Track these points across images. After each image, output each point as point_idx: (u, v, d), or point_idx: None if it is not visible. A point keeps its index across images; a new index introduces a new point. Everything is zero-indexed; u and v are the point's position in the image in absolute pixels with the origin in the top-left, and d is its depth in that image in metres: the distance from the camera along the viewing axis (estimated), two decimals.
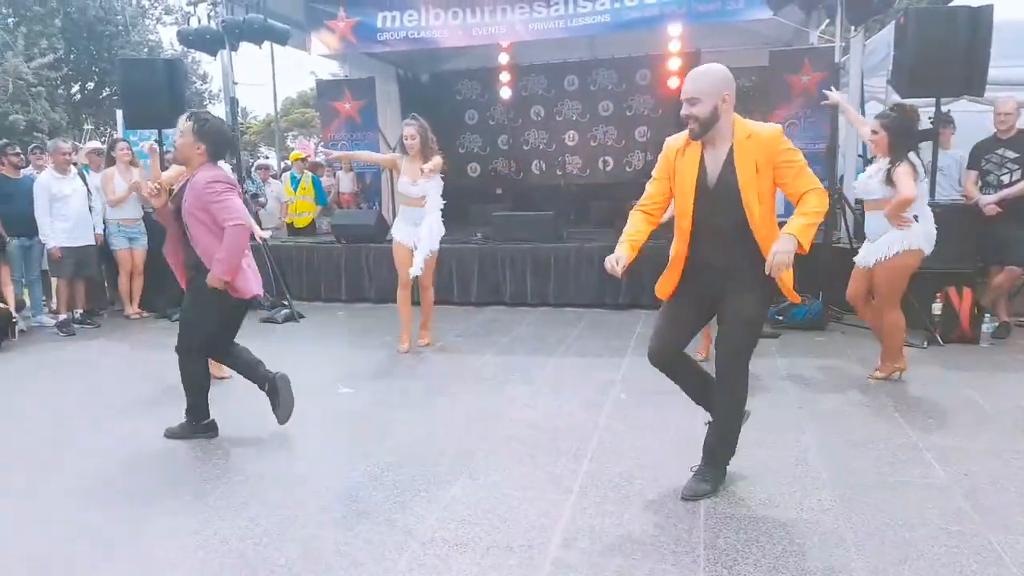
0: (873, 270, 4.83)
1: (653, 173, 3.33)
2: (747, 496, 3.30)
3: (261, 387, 4.23)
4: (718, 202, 3.12)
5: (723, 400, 3.32)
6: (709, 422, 3.42)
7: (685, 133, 3.19)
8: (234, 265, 3.94)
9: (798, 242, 2.97)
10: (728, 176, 3.10)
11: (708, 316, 3.41)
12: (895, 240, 4.69)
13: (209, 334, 4.13)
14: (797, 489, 3.35)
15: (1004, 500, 3.23)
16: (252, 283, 4.11)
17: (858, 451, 3.80)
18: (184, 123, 3.99)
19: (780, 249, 2.95)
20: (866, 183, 4.84)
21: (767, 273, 3.01)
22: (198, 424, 4.20)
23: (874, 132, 4.75)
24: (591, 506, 3.23)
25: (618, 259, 3.15)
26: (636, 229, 3.28)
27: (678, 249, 3.26)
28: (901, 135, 4.65)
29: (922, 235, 4.73)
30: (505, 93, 12.00)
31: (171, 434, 4.19)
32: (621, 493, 3.36)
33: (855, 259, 4.99)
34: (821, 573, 2.68)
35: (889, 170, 4.61)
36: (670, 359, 3.36)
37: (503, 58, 11.57)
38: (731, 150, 3.11)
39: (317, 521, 3.15)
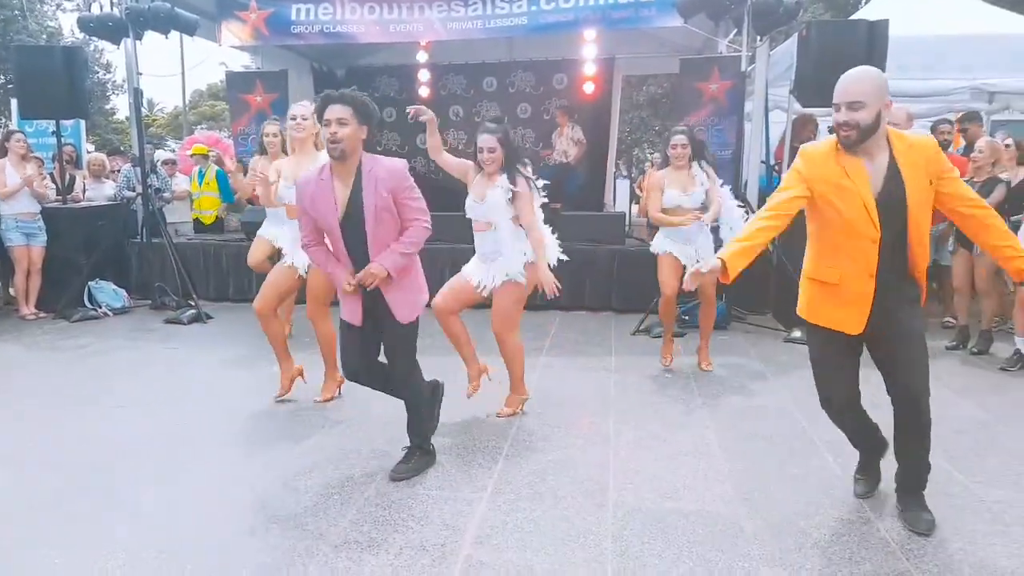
0: (495, 292, 4.35)
1: (784, 183, 3.01)
2: (653, 489, 3.41)
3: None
4: (886, 216, 2.84)
5: (918, 436, 3.04)
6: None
7: (826, 141, 2.98)
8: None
9: None
10: (895, 188, 2.83)
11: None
12: (519, 259, 4.28)
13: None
14: (700, 482, 3.49)
15: (891, 489, 3.42)
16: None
17: (758, 445, 3.98)
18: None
19: None
20: (496, 204, 4.24)
21: None
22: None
23: (492, 150, 4.22)
24: (504, 503, 3.28)
25: (712, 267, 2.80)
26: (753, 239, 2.88)
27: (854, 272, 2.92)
28: (513, 153, 4.31)
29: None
30: (424, 92, 11.95)
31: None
32: (534, 490, 3.42)
33: (477, 280, 4.38)
34: (721, 562, 2.80)
35: (513, 189, 4.22)
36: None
37: (422, 56, 11.53)
38: (892, 160, 2.87)
39: (227, 530, 3.09)
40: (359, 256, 3.43)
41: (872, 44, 6.30)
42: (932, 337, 6.51)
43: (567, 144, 10.65)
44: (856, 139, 2.82)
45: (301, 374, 4.89)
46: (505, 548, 2.90)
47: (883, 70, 6.32)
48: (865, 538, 2.99)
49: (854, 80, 2.84)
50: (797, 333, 6.13)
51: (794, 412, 4.49)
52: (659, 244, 5.44)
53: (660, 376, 5.24)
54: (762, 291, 7.05)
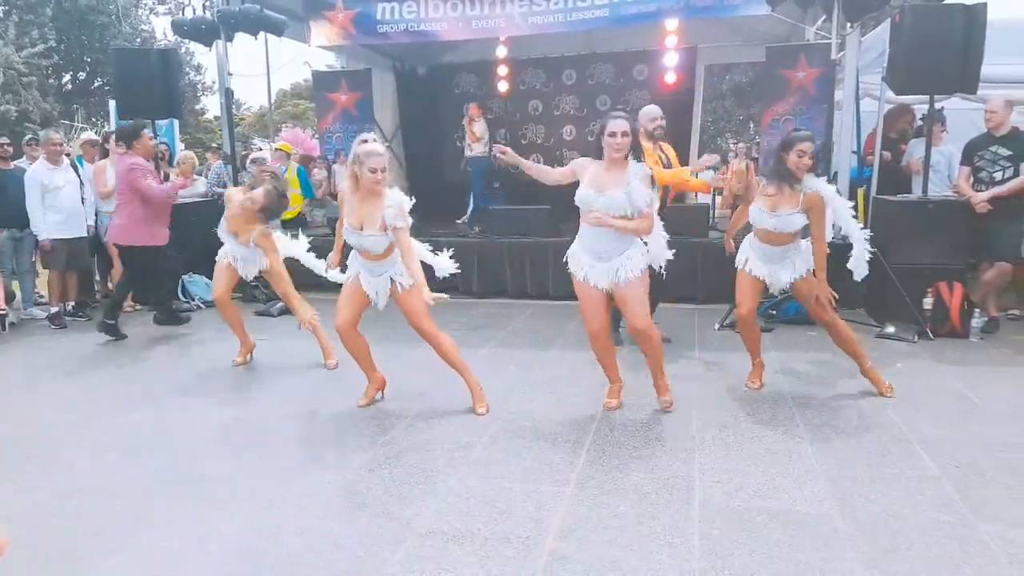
0: (624, 288, 4.19)
1: None
2: (741, 487, 3.34)
3: None
4: None
5: None
6: None
7: None
8: None
9: None
10: None
11: None
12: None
13: None
14: (790, 481, 3.40)
15: (993, 491, 3.29)
16: None
17: (850, 443, 3.85)
18: None
19: None
20: (640, 193, 4.01)
21: None
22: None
23: (625, 134, 4.03)
24: (588, 498, 3.27)
25: None
26: None
27: None
28: (637, 144, 4.10)
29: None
30: (503, 87, 11.96)
31: None
32: (617, 484, 3.40)
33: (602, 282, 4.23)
34: (814, 563, 2.72)
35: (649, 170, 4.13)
36: None
37: (501, 51, 11.52)
38: None
39: (315, 514, 3.18)
40: None
41: (969, 28, 6.00)
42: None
43: (471, 139, 10.64)
44: None
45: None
46: (589, 543, 2.89)
47: (981, 56, 6.08)
48: (964, 541, 2.86)
49: None
50: (890, 329, 5.90)
51: (888, 411, 4.33)
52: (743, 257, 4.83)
53: (746, 372, 5.11)
54: (853, 285, 6.80)
